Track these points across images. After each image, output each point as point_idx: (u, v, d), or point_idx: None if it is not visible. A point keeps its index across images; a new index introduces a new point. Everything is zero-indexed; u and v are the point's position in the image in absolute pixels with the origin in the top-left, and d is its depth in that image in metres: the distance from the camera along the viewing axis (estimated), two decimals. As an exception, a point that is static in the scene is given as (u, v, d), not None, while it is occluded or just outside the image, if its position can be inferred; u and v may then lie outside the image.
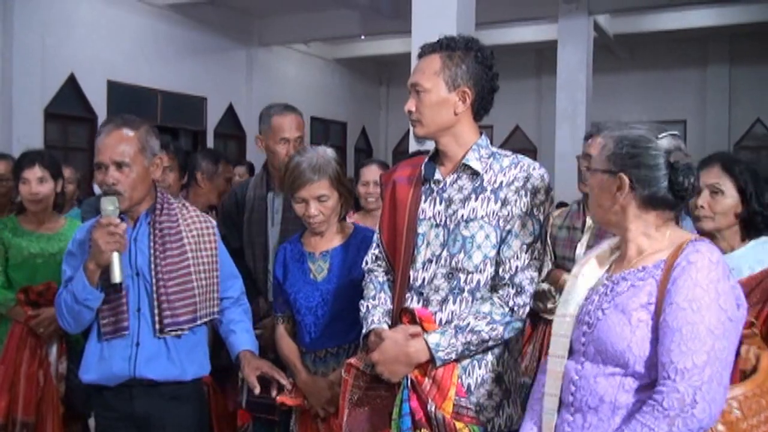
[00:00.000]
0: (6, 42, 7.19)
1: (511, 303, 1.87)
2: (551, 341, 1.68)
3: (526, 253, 1.89)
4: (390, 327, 1.96)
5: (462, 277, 1.91)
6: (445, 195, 1.97)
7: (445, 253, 1.93)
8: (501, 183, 1.92)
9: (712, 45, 12.12)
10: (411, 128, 2.02)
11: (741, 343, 1.64)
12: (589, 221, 2.93)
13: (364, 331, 2.00)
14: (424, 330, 1.87)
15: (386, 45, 12.43)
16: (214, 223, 2.46)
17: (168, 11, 9.48)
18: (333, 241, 2.39)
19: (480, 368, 1.92)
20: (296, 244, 2.44)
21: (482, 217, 1.90)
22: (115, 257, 2.13)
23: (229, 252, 2.51)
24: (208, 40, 10.22)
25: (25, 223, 3.16)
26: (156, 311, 2.24)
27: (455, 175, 1.97)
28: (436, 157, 2.04)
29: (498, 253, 1.90)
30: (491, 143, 2.03)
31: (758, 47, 11.39)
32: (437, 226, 1.96)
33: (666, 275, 1.50)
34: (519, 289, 1.88)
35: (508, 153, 2.00)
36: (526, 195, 1.90)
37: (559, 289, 2.85)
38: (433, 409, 1.82)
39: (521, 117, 13.15)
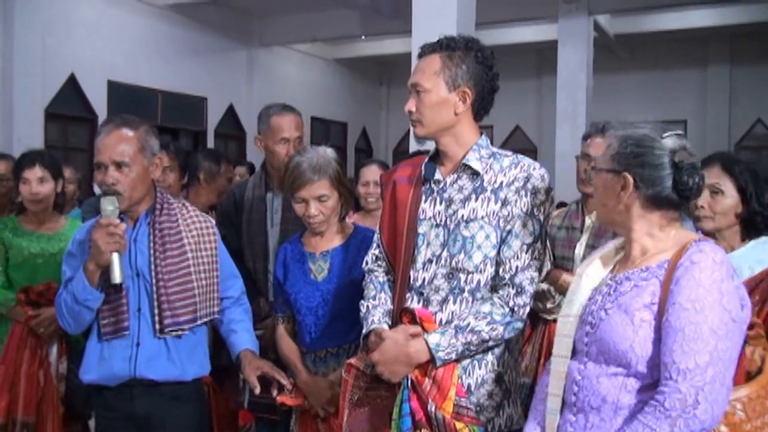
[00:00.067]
0: (6, 42, 7.20)
1: (511, 303, 1.87)
2: (555, 341, 1.68)
3: (526, 253, 1.89)
4: (390, 327, 1.96)
5: (462, 277, 1.91)
6: (446, 195, 1.97)
7: (445, 254, 1.93)
8: (501, 183, 1.92)
9: (712, 45, 12.12)
10: (411, 128, 2.02)
11: (746, 344, 1.64)
12: (588, 221, 2.93)
13: (364, 331, 2.00)
14: (425, 330, 1.87)
15: (386, 45, 12.44)
16: (214, 222, 2.46)
17: (168, 11, 9.49)
18: (333, 241, 2.39)
19: (480, 368, 1.92)
20: (296, 244, 2.44)
21: (482, 218, 1.90)
22: (115, 258, 2.13)
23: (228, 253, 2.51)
24: (208, 40, 10.22)
25: (26, 223, 3.16)
26: (156, 311, 2.24)
27: (455, 175, 1.97)
28: (437, 157, 2.04)
29: (498, 253, 1.90)
30: (491, 143, 2.03)
31: (759, 47, 11.39)
32: (437, 226, 1.96)
33: (669, 275, 1.50)
34: (519, 290, 1.88)
35: (509, 153, 2.00)
36: (526, 195, 1.90)
37: (559, 289, 2.85)
38: (433, 409, 1.82)
39: (521, 117, 13.15)
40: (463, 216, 1.92)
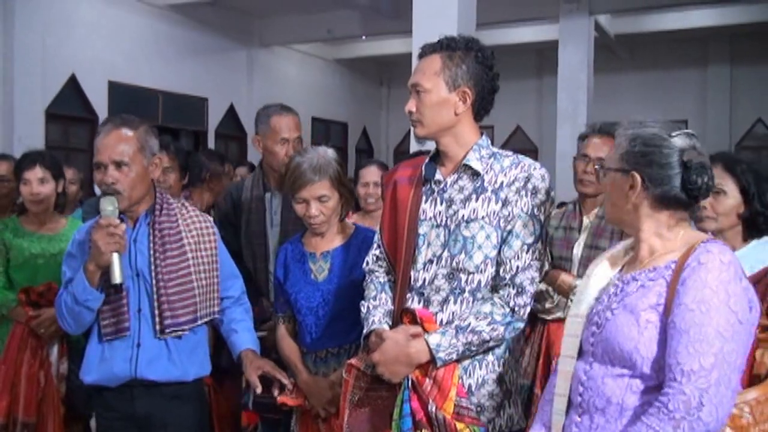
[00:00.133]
0: (7, 42, 7.19)
1: (511, 303, 1.87)
2: (562, 341, 1.67)
3: (526, 253, 1.89)
4: (391, 327, 1.96)
5: (463, 277, 1.90)
6: (446, 195, 1.97)
7: (445, 254, 1.93)
8: (502, 183, 1.92)
9: (712, 45, 12.11)
10: (412, 129, 2.02)
11: (756, 347, 1.62)
12: (585, 221, 2.93)
13: (364, 331, 2.00)
14: (425, 330, 1.87)
15: (387, 45, 12.43)
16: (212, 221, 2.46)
17: (169, 12, 9.49)
18: (334, 241, 2.39)
19: (481, 369, 1.92)
20: (297, 245, 2.44)
21: (483, 218, 1.90)
22: (115, 258, 2.13)
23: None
24: (208, 40, 10.22)
25: (27, 223, 3.16)
26: (156, 312, 2.24)
27: (456, 176, 1.97)
28: (437, 157, 2.04)
29: (499, 253, 1.90)
30: (492, 143, 2.03)
31: (759, 47, 11.38)
32: (438, 226, 1.96)
33: (676, 276, 1.48)
34: (520, 290, 1.88)
35: (509, 153, 2.00)
36: (526, 195, 1.90)
37: (557, 289, 2.85)
38: (433, 409, 1.82)
39: (522, 117, 13.15)
40: (463, 216, 1.92)
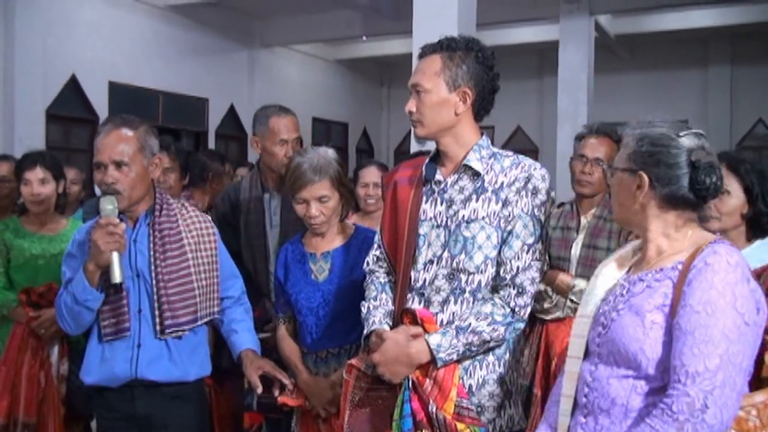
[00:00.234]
0: (7, 43, 7.19)
1: (512, 304, 1.87)
2: (570, 341, 1.66)
3: (527, 253, 1.89)
4: (391, 328, 1.96)
5: (463, 277, 1.90)
6: (446, 196, 1.97)
7: (446, 254, 1.92)
8: (502, 183, 1.92)
9: (713, 45, 12.11)
10: (412, 129, 2.02)
11: (765, 349, 1.60)
12: (583, 221, 2.93)
13: (365, 332, 2.00)
14: (426, 331, 1.87)
15: (387, 46, 12.44)
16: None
17: (169, 12, 9.49)
18: (334, 241, 2.39)
19: (481, 369, 1.92)
20: (297, 245, 2.44)
21: (483, 218, 1.90)
22: (115, 257, 2.13)
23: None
24: (209, 41, 10.23)
25: (27, 224, 3.16)
26: (156, 312, 2.24)
27: (456, 176, 1.97)
28: (437, 157, 2.04)
29: (499, 253, 1.90)
30: (493, 144, 2.03)
31: (760, 47, 11.37)
32: (438, 226, 1.96)
33: (682, 277, 1.47)
34: (520, 290, 1.88)
35: (509, 153, 2.00)
36: (527, 195, 1.90)
37: (556, 289, 2.85)
38: (434, 410, 1.82)
39: (523, 117, 13.15)
40: (464, 216, 1.92)
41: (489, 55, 1.97)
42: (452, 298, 1.91)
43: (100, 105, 8.66)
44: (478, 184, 1.94)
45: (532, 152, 12.56)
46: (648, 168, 1.55)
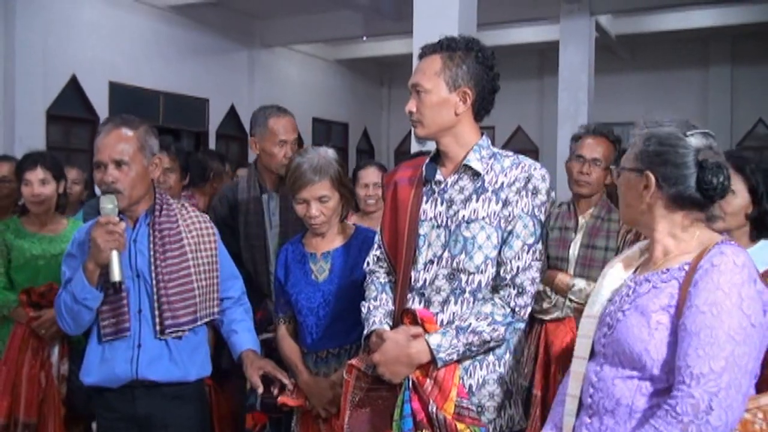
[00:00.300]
0: (8, 43, 7.19)
1: (512, 304, 1.87)
2: (576, 342, 1.66)
3: (527, 253, 1.89)
4: (391, 328, 1.96)
5: (463, 277, 1.90)
6: (447, 196, 1.97)
7: (446, 254, 1.92)
8: (502, 183, 1.92)
9: (713, 45, 12.10)
10: (412, 129, 2.02)
11: None
12: (581, 220, 2.94)
13: (365, 332, 2.00)
14: (426, 331, 1.87)
15: (388, 46, 12.44)
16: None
17: (169, 12, 9.49)
18: (334, 241, 2.39)
19: (481, 369, 1.92)
20: (297, 245, 2.44)
21: (483, 218, 1.90)
22: (114, 256, 2.13)
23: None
24: (209, 41, 10.23)
25: (28, 224, 3.16)
26: (156, 312, 2.24)
27: (456, 176, 1.97)
28: (437, 157, 2.04)
29: (499, 253, 1.90)
30: (493, 144, 2.03)
31: (760, 47, 11.37)
32: (438, 227, 1.96)
33: (688, 278, 1.46)
34: (520, 290, 1.88)
35: (509, 153, 2.00)
36: (527, 195, 1.90)
37: (555, 289, 2.86)
38: (434, 410, 1.82)
39: (523, 117, 13.15)
40: (464, 216, 1.92)
41: (489, 55, 1.97)
42: (452, 298, 1.91)
43: (101, 105, 8.67)
44: (479, 184, 1.94)
45: (533, 152, 12.56)
46: (655, 168, 1.54)
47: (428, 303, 1.94)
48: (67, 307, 2.22)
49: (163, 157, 2.44)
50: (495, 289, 1.90)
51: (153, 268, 2.25)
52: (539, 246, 1.91)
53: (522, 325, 1.94)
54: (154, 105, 9.52)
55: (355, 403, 1.98)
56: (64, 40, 8.05)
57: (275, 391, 2.30)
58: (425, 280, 1.95)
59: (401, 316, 1.95)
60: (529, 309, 1.92)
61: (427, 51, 1.98)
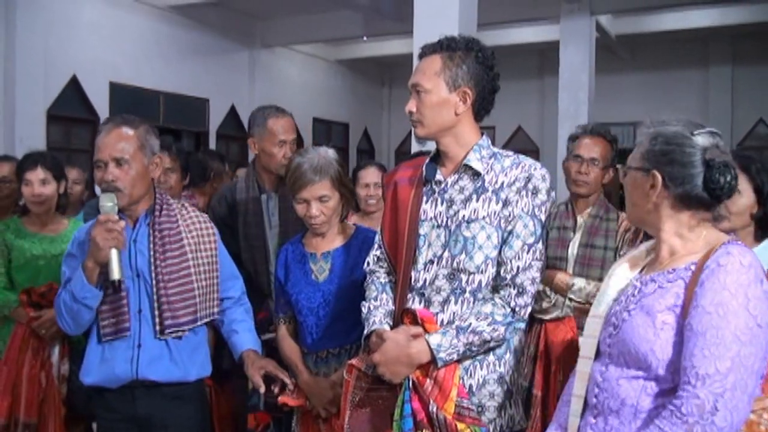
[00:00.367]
0: (9, 43, 7.20)
1: (512, 303, 1.87)
2: (581, 342, 1.65)
3: (527, 253, 1.89)
4: (392, 328, 1.96)
5: (463, 277, 1.90)
6: (447, 196, 1.97)
7: (446, 254, 1.92)
8: (502, 183, 1.92)
9: (714, 45, 12.10)
10: (412, 129, 2.02)
11: None
12: (579, 220, 2.94)
13: (365, 332, 2.00)
14: (426, 331, 1.87)
15: (388, 46, 12.44)
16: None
17: (170, 13, 9.50)
18: (334, 241, 2.39)
19: (482, 369, 1.92)
20: (297, 245, 2.44)
21: (483, 218, 1.90)
22: (114, 254, 2.12)
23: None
24: (210, 41, 10.23)
25: (28, 224, 3.16)
26: (156, 312, 2.24)
27: (456, 176, 1.97)
28: (438, 157, 2.04)
29: (499, 253, 1.90)
30: (493, 144, 2.03)
31: (760, 47, 11.37)
32: (439, 227, 1.96)
33: (695, 277, 1.45)
34: (520, 290, 1.88)
35: (510, 153, 2.00)
36: (527, 195, 1.90)
37: (554, 288, 2.86)
38: (434, 410, 1.82)
39: (523, 117, 13.15)
40: (464, 216, 1.92)
41: (489, 55, 1.97)
42: (453, 298, 1.91)
43: (101, 105, 8.67)
44: (479, 184, 1.94)
45: (533, 152, 12.56)
46: (661, 167, 1.53)
47: (428, 303, 1.94)
48: (67, 306, 2.22)
49: (163, 157, 2.44)
50: (495, 289, 1.90)
51: (153, 268, 2.25)
52: (539, 246, 1.91)
53: (522, 325, 1.94)
54: (155, 105, 9.53)
55: (355, 403, 1.98)
56: (64, 40, 8.06)
57: (276, 390, 2.30)
58: (425, 280, 1.95)
59: (401, 316, 1.95)
60: (530, 309, 1.91)
61: (427, 51, 1.98)
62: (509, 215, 1.90)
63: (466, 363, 1.90)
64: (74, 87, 8.39)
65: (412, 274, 1.97)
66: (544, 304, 2.89)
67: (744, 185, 2.11)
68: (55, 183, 3.13)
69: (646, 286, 1.55)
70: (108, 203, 2.16)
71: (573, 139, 3.03)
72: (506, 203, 1.90)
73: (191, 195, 3.92)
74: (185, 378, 2.29)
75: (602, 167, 2.91)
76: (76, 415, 3.05)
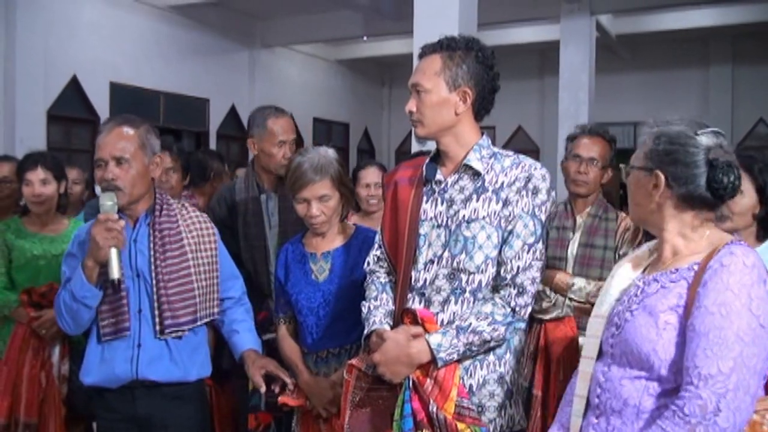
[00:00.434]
0: (9, 44, 7.20)
1: (512, 303, 1.87)
2: (584, 341, 1.65)
3: (527, 253, 1.89)
4: (392, 328, 1.96)
5: (463, 277, 1.90)
6: (447, 195, 1.97)
7: (446, 254, 1.92)
8: (502, 183, 1.92)
9: (714, 45, 12.10)
10: (412, 129, 2.02)
11: None
12: (579, 220, 2.94)
13: (365, 332, 1.99)
14: (426, 331, 1.87)
15: (388, 46, 12.44)
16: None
17: (170, 13, 9.50)
18: (334, 241, 2.39)
19: (482, 369, 1.92)
20: (298, 245, 2.44)
21: (484, 218, 1.90)
22: (113, 253, 2.12)
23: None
24: (210, 41, 10.23)
25: (29, 224, 3.17)
26: (156, 312, 2.24)
27: (456, 176, 1.97)
28: (438, 157, 2.04)
29: (499, 253, 1.90)
30: (494, 144, 2.03)
31: (761, 47, 11.37)
32: (439, 226, 1.96)
33: (698, 278, 1.45)
34: (521, 290, 1.88)
35: (510, 153, 2.00)
36: (527, 195, 1.90)
37: (554, 288, 2.86)
38: (434, 409, 1.81)
39: (524, 117, 13.15)
40: (464, 216, 1.92)
41: (489, 55, 1.97)
42: (453, 298, 1.91)
43: (101, 105, 8.68)
44: (479, 184, 1.94)
45: (534, 152, 12.56)
46: (665, 167, 1.52)
47: (428, 303, 1.94)
48: (67, 305, 2.22)
49: (164, 157, 2.44)
50: (495, 289, 1.90)
51: (153, 267, 2.25)
52: (540, 245, 1.91)
53: (522, 325, 1.94)
54: (155, 105, 9.53)
55: (355, 403, 1.98)
56: (64, 40, 8.06)
57: (276, 389, 2.30)
58: (425, 280, 1.95)
59: (401, 315, 1.95)
60: (530, 309, 1.91)
61: (427, 51, 1.98)
62: (509, 215, 1.90)
63: (467, 363, 1.90)
64: (74, 87, 8.39)
65: (412, 273, 1.97)
66: (544, 304, 2.89)
67: (746, 185, 2.11)
68: (55, 183, 3.13)
69: (648, 286, 1.54)
70: (108, 202, 2.16)
71: (571, 139, 3.03)
72: (506, 203, 1.90)
73: (191, 195, 3.93)
74: (185, 378, 2.29)
75: (601, 167, 2.92)
76: (76, 415, 3.05)
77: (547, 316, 2.90)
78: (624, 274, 1.65)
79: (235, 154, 10.75)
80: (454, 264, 1.91)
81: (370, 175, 3.53)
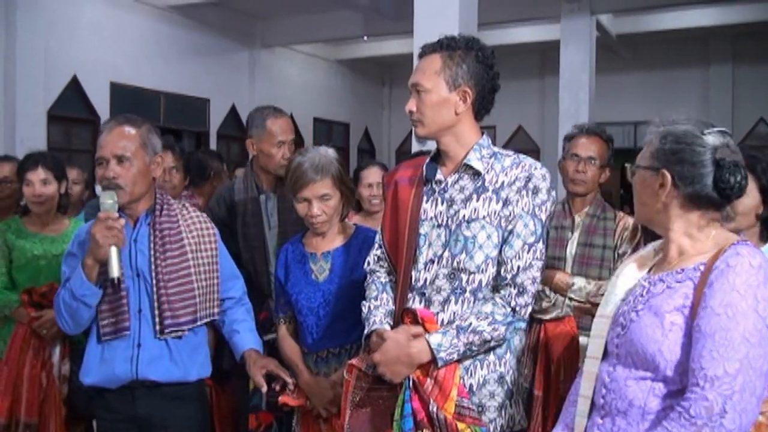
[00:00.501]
0: (9, 44, 7.20)
1: (513, 303, 1.87)
2: (588, 342, 1.64)
3: (527, 253, 1.89)
4: (392, 328, 1.96)
5: (464, 277, 1.90)
6: (447, 195, 1.97)
7: (446, 254, 1.92)
8: (503, 183, 1.92)
9: (714, 44, 12.10)
10: (413, 128, 2.02)
11: None
12: (577, 219, 2.94)
13: (366, 331, 2.00)
14: (426, 330, 1.87)
15: (388, 46, 12.44)
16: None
17: (170, 13, 9.50)
18: (335, 241, 2.39)
19: (482, 369, 1.92)
20: (298, 245, 2.44)
21: (484, 217, 1.90)
22: (113, 252, 2.12)
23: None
24: (210, 41, 10.24)
25: (29, 224, 3.17)
26: (156, 312, 2.24)
27: (457, 176, 1.97)
28: (438, 157, 2.04)
29: (500, 253, 1.90)
30: (494, 143, 2.03)
31: (761, 46, 11.36)
32: (439, 226, 1.96)
33: (704, 278, 1.44)
34: (521, 289, 1.88)
35: (510, 153, 2.00)
36: (527, 195, 1.90)
37: (554, 288, 2.86)
38: (435, 409, 1.82)
39: (524, 117, 13.15)
40: (464, 216, 1.92)
41: (489, 55, 1.97)
42: (453, 298, 1.91)
43: (102, 106, 8.68)
44: (479, 184, 1.94)
45: (534, 152, 12.56)
46: (671, 166, 1.52)
47: (429, 302, 1.94)
48: (66, 304, 2.22)
49: (165, 156, 2.44)
50: (495, 289, 1.90)
51: (153, 267, 2.25)
52: (540, 245, 1.91)
53: (523, 325, 1.94)
54: (155, 105, 9.53)
55: (355, 403, 1.98)
56: (65, 40, 8.06)
57: (277, 388, 2.30)
58: (426, 280, 1.95)
59: (402, 315, 1.95)
60: (530, 308, 1.91)
61: (427, 50, 1.98)
62: (509, 215, 1.90)
63: (467, 363, 1.90)
64: (75, 87, 8.40)
65: (413, 273, 1.97)
66: (544, 304, 2.89)
67: (749, 185, 2.10)
68: (56, 183, 3.13)
69: (654, 286, 1.54)
70: (108, 200, 2.16)
71: (569, 138, 3.03)
72: (506, 203, 1.90)
73: (191, 195, 3.93)
74: (185, 378, 2.29)
75: (599, 166, 2.92)
76: (76, 415, 3.05)
77: (547, 316, 2.90)
78: (629, 274, 1.65)
79: (236, 154, 10.75)
80: (455, 264, 1.91)
81: (373, 175, 3.54)
